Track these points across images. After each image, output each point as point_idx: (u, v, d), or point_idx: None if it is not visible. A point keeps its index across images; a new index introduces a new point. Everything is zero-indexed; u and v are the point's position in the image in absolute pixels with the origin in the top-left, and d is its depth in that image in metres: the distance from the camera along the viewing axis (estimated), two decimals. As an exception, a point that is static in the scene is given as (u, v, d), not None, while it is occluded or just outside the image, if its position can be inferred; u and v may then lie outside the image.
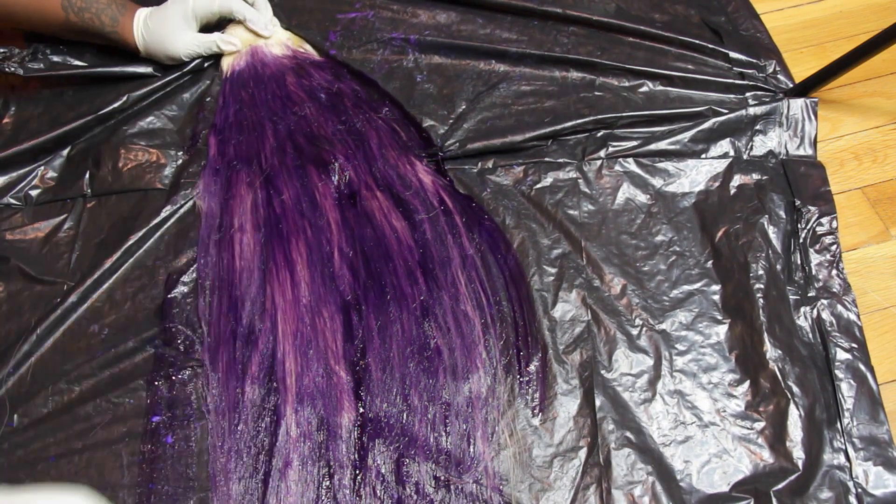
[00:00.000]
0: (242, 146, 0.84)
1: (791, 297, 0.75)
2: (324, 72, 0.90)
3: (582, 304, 0.74)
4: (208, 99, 0.88)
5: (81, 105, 0.87)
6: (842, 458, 0.66)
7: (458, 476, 0.65)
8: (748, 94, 0.88)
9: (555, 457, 0.67)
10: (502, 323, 0.73)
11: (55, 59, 0.89)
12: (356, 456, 0.66)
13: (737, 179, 0.82)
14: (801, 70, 0.92)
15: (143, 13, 0.85)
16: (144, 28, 0.84)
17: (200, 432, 0.67)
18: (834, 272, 0.76)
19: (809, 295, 0.75)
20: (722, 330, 0.73)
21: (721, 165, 0.83)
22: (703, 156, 0.84)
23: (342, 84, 0.89)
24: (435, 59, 0.91)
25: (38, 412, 0.68)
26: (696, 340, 0.73)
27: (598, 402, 0.69)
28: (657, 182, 0.82)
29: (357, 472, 0.65)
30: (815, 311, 0.74)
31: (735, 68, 0.90)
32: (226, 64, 0.90)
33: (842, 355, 0.71)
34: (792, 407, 0.68)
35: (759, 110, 0.86)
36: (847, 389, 0.70)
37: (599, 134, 0.85)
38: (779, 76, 0.90)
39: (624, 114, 0.85)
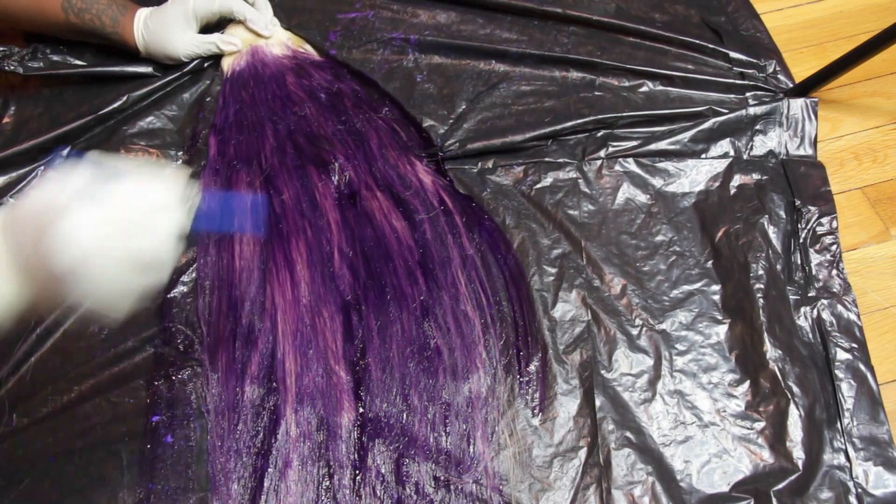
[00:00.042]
0: (242, 146, 0.84)
1: (791, 297, 0.75)
2: (324, 72, 0.90)
3: (582, 304, 0.74)
4: (208, 99, 0.88)
5: (81, 105, 0.87)
6: (842, 458, 0.66)
7: (458, 476, 0.65)
8: (748, 94, 0.88)
9: (555, 457, 0.66)
10: (502, 323, 0.73)
11: (55, 58, 0.89)
12: (356, 456, 0.66)
13: (737, 179, 0.82)
14: (801, 70, 0.92)
15: (143, 13, 0.85)
16: (145, 28, 0.84)
17: (200, 432, 0.67)
18: (834, 272, 0.76)
19: (809, 295, 0.75)
20: (722, 330, 0.73)
21: (721, 165, 0.83)
22: (703, 156, 0.84)
23: (342, 84, 0.89)
24: (435, 59, 0.91)
25: (37, 412, 0.68)
26: (696, 340, 0.73)
27: (598, 402, 0.69)
28: (657, 182, 0.82)
29: (357, 472, 0.65)
30: (815, 311, 0.74)
31: (735, 68, 0.90)
32: (226, 64, 0.90)
33: (842, 355, 0.71)
34: (792, 407, 0.68)
35: (759, 110, 0.86)
36: (847, 389, 0.70)
37: (599, 134, 0.85)
38: (779, 76, 0.90)
39: (624, 114, 0.85)
